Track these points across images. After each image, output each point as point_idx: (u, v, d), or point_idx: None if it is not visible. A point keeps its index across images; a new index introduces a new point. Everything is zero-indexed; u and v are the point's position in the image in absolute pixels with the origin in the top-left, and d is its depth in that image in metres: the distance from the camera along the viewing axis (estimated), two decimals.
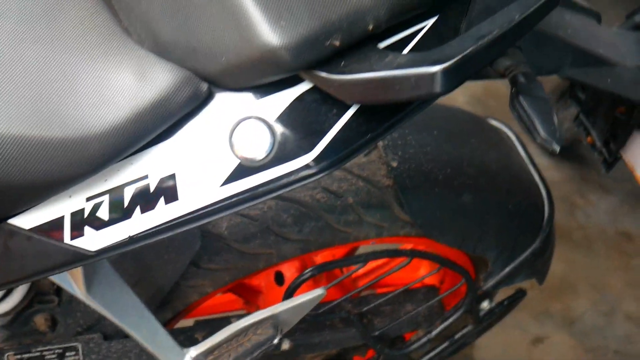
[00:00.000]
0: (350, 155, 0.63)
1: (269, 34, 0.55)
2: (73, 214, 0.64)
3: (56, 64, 0.59)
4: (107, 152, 0.59)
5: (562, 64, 0.92)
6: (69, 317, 1.08)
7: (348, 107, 0.62)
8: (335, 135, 0.61)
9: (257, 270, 1.12)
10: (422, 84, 0.53)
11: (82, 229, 0.64)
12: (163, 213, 0.63)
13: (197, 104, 0.61)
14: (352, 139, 0.62)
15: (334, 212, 1.08)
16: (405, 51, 0.63)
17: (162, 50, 0.61)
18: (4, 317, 1.05)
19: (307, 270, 1.09)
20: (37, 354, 1.05)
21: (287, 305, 0.92)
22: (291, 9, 0.55)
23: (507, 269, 1.28)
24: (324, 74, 0.57)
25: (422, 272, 1.41)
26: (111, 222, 0.64)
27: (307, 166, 0.61)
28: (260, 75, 0.59)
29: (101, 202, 0.63)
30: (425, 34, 0.64)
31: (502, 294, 1.44)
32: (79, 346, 1.07)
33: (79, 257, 0.65)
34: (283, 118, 0.61)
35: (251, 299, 1.38)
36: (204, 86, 0.60)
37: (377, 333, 1.29)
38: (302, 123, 0.61)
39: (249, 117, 0.61)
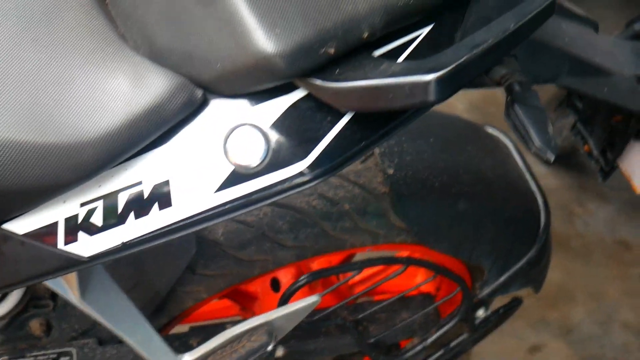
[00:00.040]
0: (345, 162, 0.63)
1: (264, 41, 0.55)
2: (67, 220, 0.64)
3: (52, 69, 0.59)
4: (101, 158, 0.59)
5: (558, 72, 0.92)
6: (63, 322, 1.08)
7: (342, 115, 0.62)
8: (329, 143, 0.62)
9: (253, 277, 1.12)
10: (416, 93, 0.54)
11: (76, 235, 0.64)
12: (157, 219, 0.63)
13: (191, 110, 0.61)
14: (346, 146, 0.62)
15: (329, 218, 1.08)
16: (401, 59, 0.63)
17: (158, 57, 0.61)
18: None
19: (302, 277, 1.09)
20: (32, 358, 1.05)
21: (282, 312, 0.92)
22: (286, 16, 0.55)
23: (503, 278, 1.28)
24: (318, 82, 0.58)
25: (419, 280, 1.41)
26: (105, 227, 0.64)
27: (301, 173, 0.61)
28: (255, 82, 0.59)
29: (95, 208, 0.63)
30: (420, 42, 0.64)
31: (498, 302, 1.44)
32: (74, 351, 1.07)
33: (73, 263, 0.65)
34: (277, 125, 0.61)
35: (247, 305, 1.38)
36: (199, 92, 0.61)
37: (372, 340, 1.29)
38: (297, 130, 0.61)
39: (244, 124, 0.61)
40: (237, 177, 0.62)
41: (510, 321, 1.52)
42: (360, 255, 1.30)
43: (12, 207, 0.63)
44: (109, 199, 0.63)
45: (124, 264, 1.02)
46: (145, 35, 0.61)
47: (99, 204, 0.63)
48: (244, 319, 0.96)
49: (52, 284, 0.85)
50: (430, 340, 1.35)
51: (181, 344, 1.15)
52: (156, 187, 0.62)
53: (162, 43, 0.61)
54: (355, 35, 0.58)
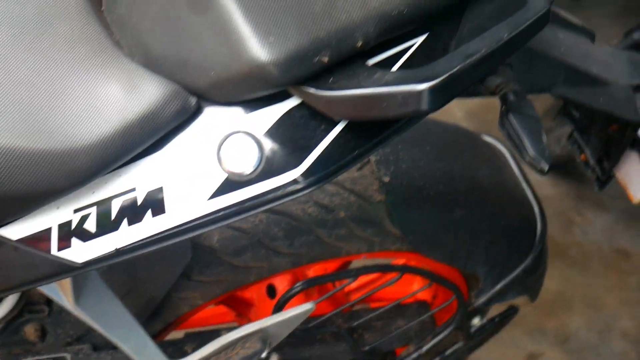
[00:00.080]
0: (338, 171, 0.63)
1: (258, 50, 0.55)
2: (60, 226, 0.64)
3: (46, 75, 0.59)
4: (94, 165, 0.59)
5: (554, 82, 0.92)
6: (58, 327, 1.08)
7: (336, 123, 0.62)
8: (323, 151, 0.62)
9: (248, 283, 1.12)
10: (409, 102, 0.54)
11: (70, 241, 0.64)
12: (150, 226, 0.63)
13: (185, 117, 0.61)
14: (340, 154, 0.62)
15: (325, 226, 1.08)
16: (395, 68, 0.63)
17: (152, 64, 0.61)
18: None
19: (297, 285, 1.09)
20: None
21: (276, 320, 0.92)
22: (280, 25, 0.55)
23: (499, 286, 1.28)
24: (312, 90, 0.58)
25: (415, 287, 1.41)
26: (98, 234, 0.64)
27: (294, 181, 0.61)
28: (249, 90, 0.59)
29: (89, 214, 0.64)
30: (414, 51, 0.64)
31: (495, 311, 1.44)
32: (68, 357, 1.07)
33: (66, 269, 0.65)
34: (271, 133, 0.61)
35: (243, 312, 1.38)
36: (193, 100, 0.61)
37: (367, 348, 1.29)
38: (290, 138, 0.61)
39: (237, 132, 0.61)
40: (230, 184, 0.62)
41: (507, 329, 1.52)
42: (356, 263, 1.30)
43: (5, 212, 0.63)
44: (103, 206, 0.63)
45: (118, 270, 1.03)
46: (139, 43, 0.62)
47: (93, 210, 0.63)
48: (240, 326, 0.96)
49: (46, 289, 0.85)
50: (425, 348, 1.35)
51: (176, 350, 1.15)
52: (150, 194, 0.63)
53: (156, 50, 0.61)
54: (349, 44, 0.58)
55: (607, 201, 2.63)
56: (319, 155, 0.62)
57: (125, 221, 0.63)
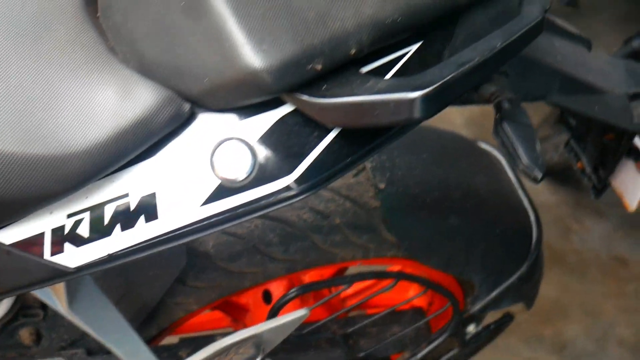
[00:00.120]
0: (331, 178, 0.63)
1: (252, 57, 0.55)
2: (54, 230, 0.64)
3: (40, 81, 0.59)
4: (88, 170, 0.60)
5: (549, 90, 0.92)
6: (53, 331, 1.08)
7: (329, 130, 0.62)
8: (316, 158, 0.62)
9: (243, 289, 1.12)
10: (402, 110, 0.54)
11: (62, 246, 0.64)
12: (143, 231, 0.63)
13: (179, 123, 0.61)
14: (332, 162, 0.62)
15: (320, 232, 1.08)
16: (388, 76, 0.63)
17: (147, 70, 0.61)
18: None
19: (292, 290, 1.09)
20: None
21: (270, 325, 0.92)
22: (274, 32, 0.55)
23: (494, 293, 1.28)
24: (305, 97, 0.58)
25: (411, 294, 1.41)
26: (91, 239, 0.64)
27: (287, 188, 0.62)
28: (243, 97, 0.59)
29: (82, 219, 0.64)
30: (409, 59, 0.65)
31: (491, 318, 1.44)
32: None
33: (59, 274, 0.65)
34: (264, 140, 0.61)
35: (239, 317, 1.38)
36: (187, 106, 0.61)
37: (362, 354, 1.29)
38: (283, 145, 0.61)
39: (231, 138, 0.61)
40: (223, 190, 0.62)
41: (504, 336, 1.52)
42: (354, 269, 1.30)
43: None
44: (96, 211, 0.63)
45: (113, 275, 1.03)
46: (134, 49, 0.62)
47: (86, 216, 0.64)
48: (235, 331, 0.96)
49: (40, 293, 0.85)
50: (420, 354, 1.35)
51: (170, 356, 1.15)
52: (142, 200, 0.63)
53: (150, 57, 0.61)
54: (343, 51, 0.58)
55: (606, 209, 2.63)
56: (312, 162, 0.62)
57: (118, 226, 0.63)
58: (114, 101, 0.59)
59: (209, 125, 0.62)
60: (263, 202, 0.62)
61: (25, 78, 0.59)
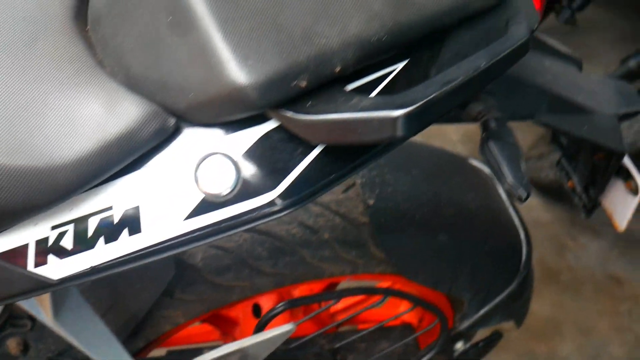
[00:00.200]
0: (315, 194, 0.63)
1: (236, 73, 0.55)
2: (38, 242, 0.64)
3: (27, 93, 0.59)
4: (72, 182, 0.60)
5: (537, 109, 0.92)
6: (40, 342, 1.08)
7: (313, 147, 0.62)
8: (300, 174, 0.62)
9: (231, 303, 1.12)
10: (385, 128, 0.54)
11: (46, 257, 0.64)
12: (126, 244, 0.63)
13: (164, 138, 0.62)
14: (316, 178, 0.63)
15: (309, 247, 1.08)
16: (374, 94, 0.63)
17: (133, 84, 0.62)
18: None
19: (279, 305, 1.09)
20: None
21: (256, 340, 0.92)
22: (259, 48, 0.56)
23: (483, 311, 1.28)
24: (289, 114, 0.58)
25: (402, 310, 1.41)
26: (75, 251, 0.64)
27: (270, 203, 0.62)
28: (227, 112, 0.60)
29: (66, 231, 0.64)
30: (394, 77, 0.65)
31: (481, 335, 1.44)
32: None
33: (42, 285, 0.65)
34: (249, 155, 0.61)
35: (228, 331, 1.38)
36: (172, 121, 0.61)
37: None
38: (268, 161, 0.62)
39: (215, 153, 0.61)
40: (207, 205, 0.62)
41: (497, 353, 1.52)
42: (345, 284, 1.30)
43: None
44: (80, 223, 0.63)
45: (99, 287, 1.03)
46: (121, 62, 0.62)
47: (70, 228, 0.64)
48: (222, 344, 0.96)
49: (25, 304, 0.85)
50: None
51: None
52: (126, 213, 0.63)
53: (137, 71, 0.61)
54: (328, 69, 0.58)
55: (601, 227, 2.64)
56: (296, 178, 0.62)
57: (101, 239, 0.63)
58: (100, 114, 0.60)
59: (194, 140, 0.62)
60: (246, 217, 0.62)
61: (12, 90, 0.59)
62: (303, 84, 0.57)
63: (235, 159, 0.61)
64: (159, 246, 0.63)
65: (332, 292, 1.15)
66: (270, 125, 0.62)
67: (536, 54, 0.96)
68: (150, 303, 1.06)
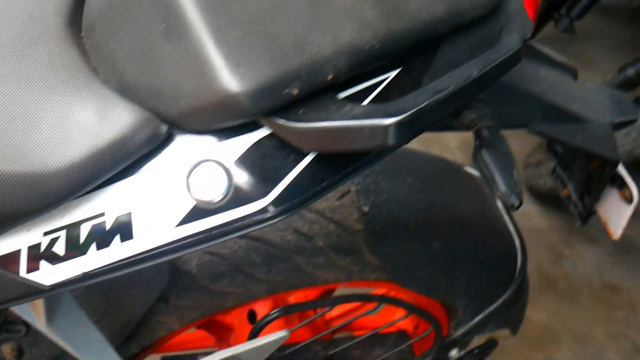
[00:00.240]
0: (306, 201, 0.63)
1: (228, 80, 0.55)
2: (30, 248, 0.64)
3: (20, 100, 0.59)
4: (65, 188, 0.60)
5: (531, 118, 0.92)
6: (35, 347, 1.08)
7: (305, 154, 0.62)
8: (291, 182, 0.62)
9: (225, 309, 1.12)
10: (376, 136, 0.54)
11: (38, 263, 0.64)
12: (118, 251, 0.63)
13: (156, 144, 0.62)
14: (308, 185, 0.62)
15: (304, 254, 1.08)
16: (366, 102, 0.63)
17: (126, 91, 0.62)
18: None
19: (273, 312, 1.09)
20: None
21: (249, 346, 0.92)
22: (251, 56, 0.56)
23: (477, 318, 1.28)
24: (281, 121, 0.58)
25: (397, 316, 1.41)
26: (67, 257, 0.64)
27: (262, 210, 0.62)
28: (220, 119, 0.60)
29: (58, 237, 0.64)
30: (387, 85, 0.65)
31: (477, 342, 1.44)
32: None
33: (34, 291, 0.65)
34: (241, 162, 0.61)
35: (223, 337, 1.38)
36: (164, 128, 0.61)
37: None
38: (260, 168, 0.62)
39: (207, 160, 0.61)
40: (198, 212, 0.62)
41: None
42: (341, 290, 1.30)
43: None
44: (72, 229, 0.63)
45: (93, 292, 1.03)
46: (115, 69, 0.62)
47: (62, 234, 0.64)
48: (216, 351, 0.95)
49: (19, 310, 0.85)
50: None
51: None
52: (118, 219, 0.63)
53: (130, 78, 0.61)
54: (320, 77, 0.58)
55: (598, 235, 2.64)
56: (288, 185, 0.62)
57: (93, 245, 0.63)
58: (93, 121, 0.60)
59: (186, 147, 0.62)
60: (238, 224, 0.62)
61: (5, 96, 0.59)
62: (295, 91, 0.57)
63: (227, 166, 0.61)
64: (151, 252, 0.63)
65: (326, 299, 1.15)
66: (262, 132, 0.62)
67: (531, 62, 0.96)
68: (145, 309, 1.05)
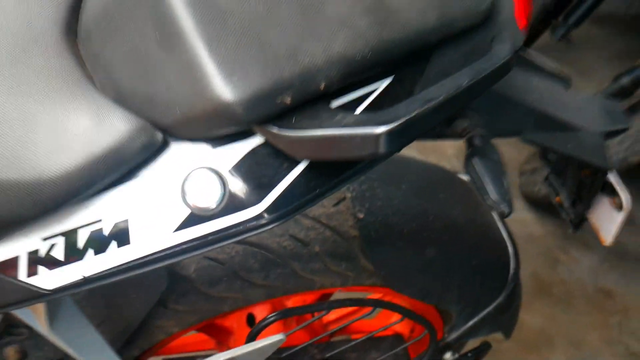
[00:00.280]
0: (299, 208, 0.63)
1: (222, 89, 0.55)
2: (29, 253, 0.64)
3: (17, 108, 0.59)
4: (61, 195, 0.59)
5: (523, 127, 0.92)
6: (38, 350, 1.07)
7: (298, 162, 0.62)
8: (285, 189, 0.62)
9: (223, 313, 1.11)
10: (367, 144, 0.54)
11: (37, 268, 0.64)
12: (115, 256, 0.63)
13: (152, 152, 0.61)
14: (301, 193, 0.62)
15: (300, 259, 1.08)
16: (358, 110, 0.63)
17: (122, 99, 0.62)
18: None
19: (270, 315, 1.09)
20: None
21: (246, 349, 0.92)
22: (244, 65, 0.55)
23: (471, 323, 1.27)
24: (275, 130, 0.58)
25: (394, 320, 1.40)
26: (66, 262, 0.64)
27: (255, 217, 0.61)
28: (214, 127, 0.59)
29: (56, 243, 0.64)
30: (379, 94, 0.65)
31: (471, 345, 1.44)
32: None
33: (35, 295, 0.65)
34: (235, 170, 0.61)
35: (223, 340, 1.37)
36: (159, 136, 0.61)
37: None
38: (253, 176, 0.61)
39: (202, 168, 0.61)
40: (194, 218, 0.62)
41: None
42: (338, 295, 1.29)
43: None
44: (70, 235, 0.63)
45: (94, 297, 1.02)
46: (110, 78, 0.62)
47: (60, 240, 0.64)
48: (214, 353, 0.95)
49: (21, 313, 0.85)
50: None
51: None
52: (115, 226, 0.63)
53: (125, 86, 0.61)
54: (312, 86, 0.58)
55: (593, 241, 2.64)
56: (281, 193, 0.62)
57: (91, 251, 0.63)
58: (88, 128, 0.59)
59: (181, 154, 0.62)
60: (233, 230, 0.62)
61: (1, 103, 0.59)
62: (288, 100, 0.57)
63: (222, 174, 0.61)
64: (148, 258, 0.63)
65: (322, 303, 1.14)
66: (256, 140, 0.62)
67: (524, 72, 0.96)
68: (144, 313, 1.05)
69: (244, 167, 0.61)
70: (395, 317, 1.40)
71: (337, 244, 1.09)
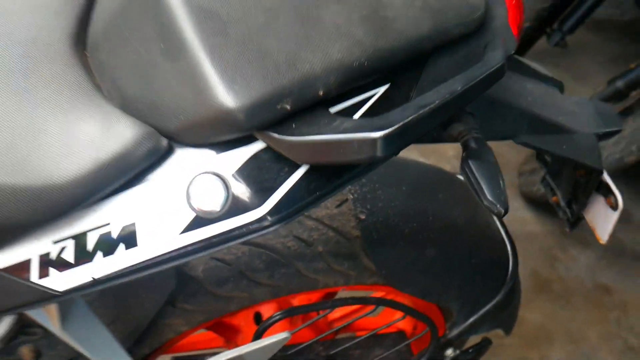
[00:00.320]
0: (300, 211, 0.63)
1: (223, 96, 0.55)
2: (41, 256, 0.65)
3: (26, 115, 0.60)
4: (69, 200, 0.60)
5: (517, 130, 0.92)
6: (52, 349, 1.08)
7: (299, 166, 0.63)
8: (286, 192, 0.62)
9: (230, 312, 1.12)
10: (365, 148, 0.54)
11: (49, 270, 0.65)
12: (123, 258, 0.64)
13: (157, 157, 0.62)
14: (301, 196, 0.63)
15: (304, 259, 1.08)
16: (357, 116, 0.64)
17: (128, 106, 0.62)
18: None
19: (276, 314, 1.09)
20: None
21: (253, 347, 0.92)
22: (245, 73, 0.56)
23: (471, 320, 1.28)
24: (275, 135, 0.58)
25: (397, 317, 1.41)
26: (76, 264, 0.64)
27: (258, 220, 0.62)
28: (216, 133, 0.60)
29: (66, 246, 0.64)
30: (376, 100, 0.65)
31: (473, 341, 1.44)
32: None
33: (47, 296, 0.66)
34: (238, 174, 0.62)
35: (231, 338, 1.38)
36: (164, 142, 0.62)
37: None
38: (256, 180, 0.62)
39: (206, 172, 0.62)
40: (199, 221, 0.62)
41: (492, 359, 1.51)
42: (342, 294, 1.30)
43: None
44: (79, 238, 0.64)
45: (105, 297, 1.03)
46: (117, 86, 0.62)
47: (71, 243, 0.64)
48: (222, 351, 0.96)
49: (34, 314, 0.85)
50: None
51: None
52: (123, 229, 0.63)
53: (131, 94, 0.61)
54: (311, 93, 0.58)
55: (591, 239, 2.63)
56: (282, 196, 0.62)
57: (100, 253, 0.64)
58: (96, 135, 0.60)
59: (186, 160, 0.63)
60: (237, 231, 0.63)
61: (12, 112, 0.59)
62: (288, 107, 0.58)
63: (225, 178, 0.62)
64: (154, 260, 0.63)
65: (326, 302, 1.14)
66: (258, 145, 0.62)
67: (518, 77, 0.96)
68: (153, 313, 1.06)
69: (246, 171, 0.62)
70: (398, 314, 1.41)
71: (339, 244, 1.09)
